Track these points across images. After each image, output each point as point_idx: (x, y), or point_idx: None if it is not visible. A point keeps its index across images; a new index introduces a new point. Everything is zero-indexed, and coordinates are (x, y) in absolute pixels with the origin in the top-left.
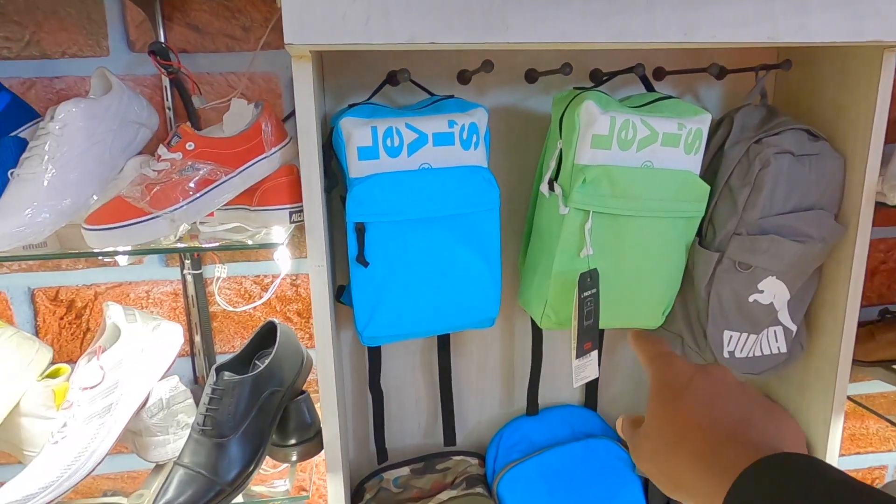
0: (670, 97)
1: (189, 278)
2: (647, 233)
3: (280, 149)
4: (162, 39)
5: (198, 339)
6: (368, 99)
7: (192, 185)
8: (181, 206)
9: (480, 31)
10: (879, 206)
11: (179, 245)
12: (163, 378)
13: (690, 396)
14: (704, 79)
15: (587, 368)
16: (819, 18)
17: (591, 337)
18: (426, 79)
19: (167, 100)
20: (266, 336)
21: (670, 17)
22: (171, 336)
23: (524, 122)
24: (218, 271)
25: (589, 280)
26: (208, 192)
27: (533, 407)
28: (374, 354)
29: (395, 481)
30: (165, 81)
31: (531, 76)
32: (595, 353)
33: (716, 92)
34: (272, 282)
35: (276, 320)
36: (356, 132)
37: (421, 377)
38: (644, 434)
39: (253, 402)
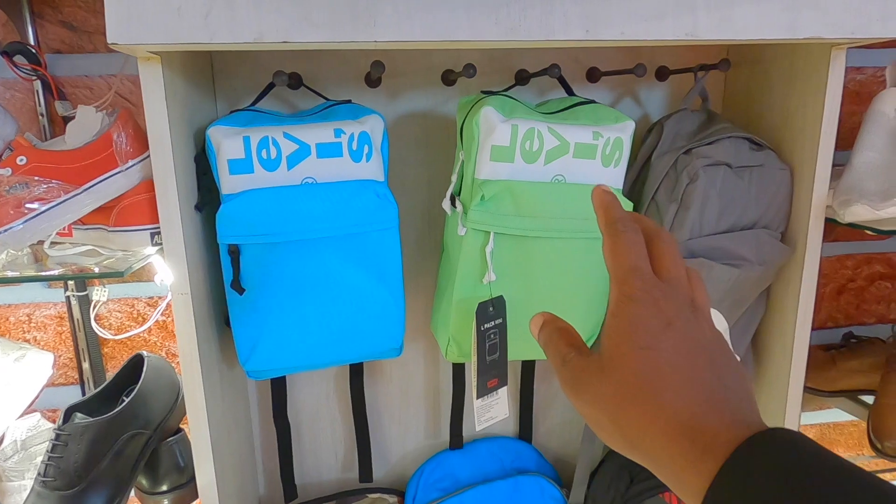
0: (591, 102)
1: (73, 300)
2: (561, 255)
3: (139, 162)
4: (31, 39)
5: (86, 366)
6: (252, 104)
7: (29, 204)
8: (12, 228)
9: (346, 28)
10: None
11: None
12: (24, 415)
13: (670, 343)
14: (646, 80)
15: (494, 408)
16: (746, 11)
17: (496, 373)
18: (331, 82)
19: (39, 105)
20: (135, 370)
21: (570, 10)
22: (36, 367)
23: (443, 129)
24: (97, 294)
25: (491, 309)
26: (46, 211)
27: (457, 439)
28: (277, 384)
29: None
30: (37, 86)
31: (448, 78)
32: (503, 391)
33: (659, 95)
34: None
35: (144, 353)
36: (226, 143)
37: (336, 405)
38: (599, 369)
39: (106, 446)
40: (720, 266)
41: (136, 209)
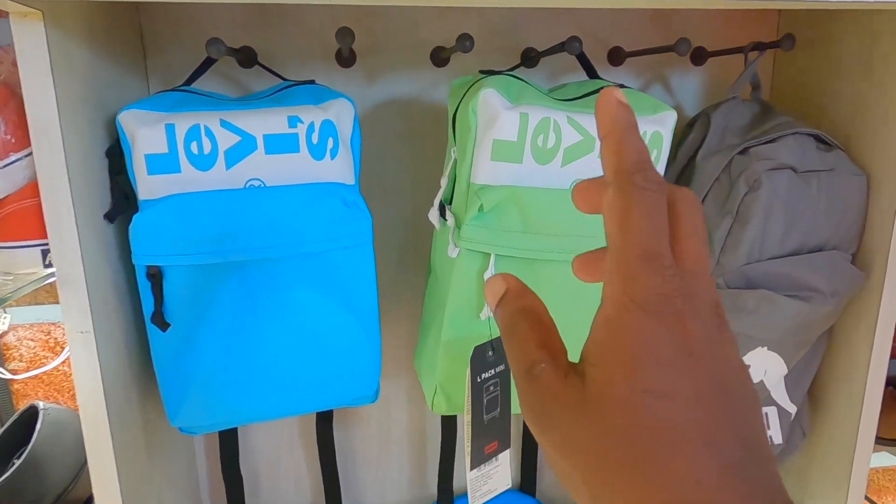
0: (620, 86)
1: None
2: (577, 283)
3: (24, 157)
4: None
5: None
6: (185, 84)
7: None
8: None
9: None
10: None
11: None
12: None
13: (690, 384)
14: (680, 64)
15: (493, 479)
16: None
17: (496, 434)
18: (293, 59)
19: None
20: (30, 425)
21: None
22: None
23: (432, 120)
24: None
25: (491, 354)
26: None
27: (446, 495)
28: (226, 433)
29: None
30: None
31: (439, 56)
32: (504, 456)
33: (693, 82)
34: None
35: (41, 404)
36: (142, 132)
37: (301, 452)
38: (579, 402)
39: None
40: (784, 299)
41: (22, 219)
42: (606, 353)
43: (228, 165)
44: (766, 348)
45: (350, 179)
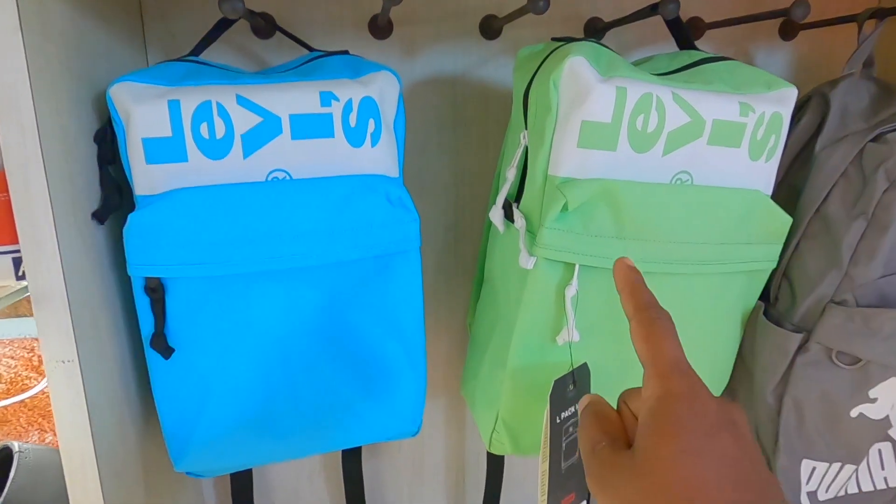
0: (724, 58)
1: None
2: (679, 299)
3: None
4: None
5: None
6: (192, 53)
7: None
8: None
9: None
10: None
11: None
12: None
13: (718, 447)
14: (765, 39)
15: None
16: None
17: (574, 486)
18: (319, 29)
19: None
20: (4, 468)
21: None
22: None
23: (480, 101)
24: None
25: (572, 388)
26: None
27: None
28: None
29: None
30: None
31: (490, 27)
32: None
33: (781, 60)
34: None
35: (16, 445)
36: (140, 111)
37: (324, 487)
38: (630, 468)
39: None
40: None
41: None
42: (652, 429)
43: (247, 153)
44: None
45: (394, 171)
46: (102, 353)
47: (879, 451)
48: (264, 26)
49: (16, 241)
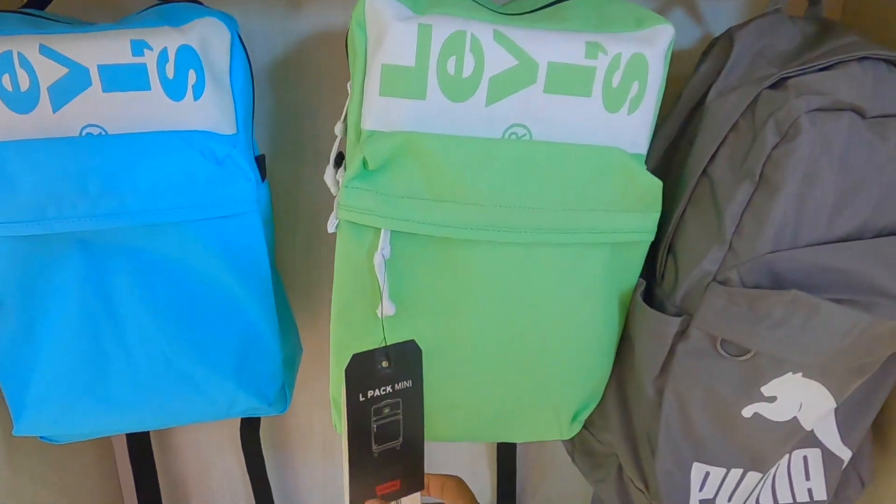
0: None
1: None
2: (523, 272)
3: None
4: None
5: None
6: (26, 5)
7: None
8: None
9: None
10: None
11: None
12: None
13: None
14: None
15: None
16: None
17: (398, 472)
18: None
19: None
20: None
21: None
22: None
23: None
24: None
25: (385, 365)
26: None
27: None
28: (135, 436)
29: None
30: None
31: None
32: (415, 500)
33: (734, 5)
34: None
35: None
36: None
37: (236, 460)
38: None
39: None
40: (832, 306)
41: None
42: None
43: (55, 107)
44: (801, 375)
45: (226, 128)
46: None
47: (805, 458)
48: None
49: None
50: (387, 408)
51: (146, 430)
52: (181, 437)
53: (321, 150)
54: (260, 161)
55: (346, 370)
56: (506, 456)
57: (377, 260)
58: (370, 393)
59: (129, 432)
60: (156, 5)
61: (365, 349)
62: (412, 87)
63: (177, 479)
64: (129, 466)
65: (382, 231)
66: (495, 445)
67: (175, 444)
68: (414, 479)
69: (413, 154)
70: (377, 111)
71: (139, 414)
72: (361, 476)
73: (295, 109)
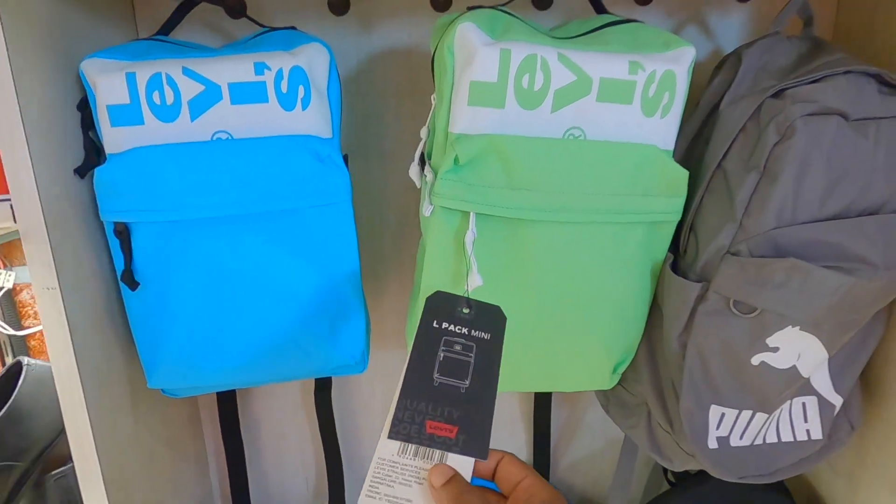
0: (630, 21)
1: None
2: (576, 247)
3: None
4: None
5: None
6: (161, 31)
7: None
8: None
9: None
10: None
11: None
12: None
13: None
14: (720, 1)
15: (413, 486)
16: None
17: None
18: (285, 9)
19: None
20: (15, 381)
21: None
22: None
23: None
24: (2, 279)
25: (467, 311)
26: None
27: None
28: (224, 396)
29: None
30: None
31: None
32: (459, 460)
33: (737, 22)
34: None
35: (25, 360)
36: (104, 82)
37: (306, 422)
38: None
39: None
40: (821, 271)
41: None
42: None
43: (193, 117)
44: (798, 328)
45: (326, 132)
46: (83, 283)
47: (804, 404)
48: (234, 7)
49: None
50: (459, 346)
51: (255, 385)
52: (260, 400)
53: (386, 150)
54: (345, 159)
55: (427, 298)
56: (541, 419)
57: (468, 238)
58: (445, 325)
59: (235, 388)
60: (261, 33)
61: (439, 290)
62: (494, 98)
63: (254, 438)
64: (214, 423)
65: (471, 214)
66: (532, 410)
67: (253, 408)
68: (474, 437)
69: (495, 152)
70: (465, 118)
71: (252, 371)
72: (415, 398)
73: (365, 115)
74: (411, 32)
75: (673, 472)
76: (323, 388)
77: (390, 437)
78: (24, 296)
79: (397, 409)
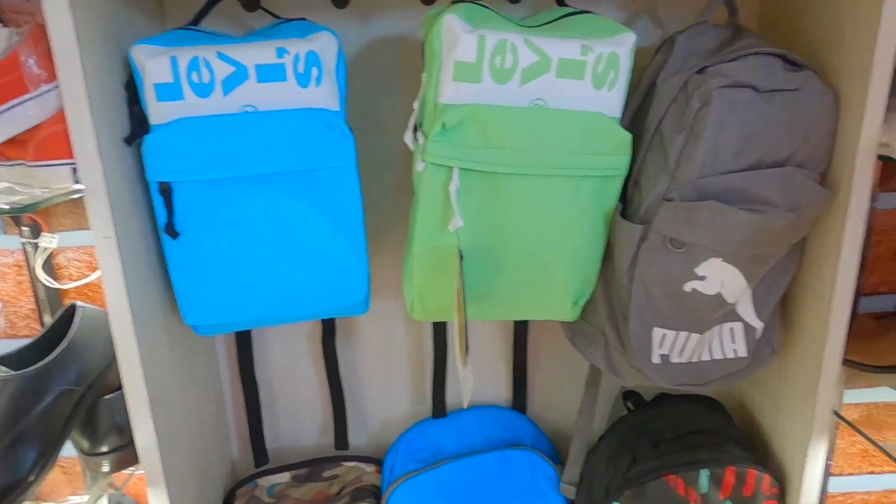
0: (584, 12)
1: (29, 248)
2: (538, 196)
3: (54, 88)
4: None
5: (48, 318)
6: (192, 23)
7: None
8: None
9: None
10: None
11: None
12: None
13: None
14: None
15: (470, 378)
16: None
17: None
18: (294, 3)
19: None
20: (70, 322)
21: None
22: None
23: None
24: (46, 241)
25: (461, 260)
26: None
27: (440, 407)
28: (241, 338)
29: (269, 489)
30: None
31: None
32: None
33: (685, 13)
34: None
35: (78, 303)
36: (151, 64)
37: (312, 366)
38: None
39: (31, 402)
40: (736, 211)
41: (56, 141)
42: None
43: (225, 92)
44: (720, 259)
45: (335, 106)
46: (133, 233)
47: (731, 329)
48: (249, 2)
49: (72, 156)
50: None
51: (274, 323)
52: (272, 344)
53: (381, 122)
54: (351, 129)
55: (459, 262)
56: (519, 360)
57: (452, 188)
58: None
59: (257, 326)
60: (278, 24)
61: (444, 254)
62: (473, 75)
63: (267, 379)
64: (232, 368)
65: (454, 169)
66: (512, 353)
67: (266, 351)
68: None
69: (474, 118)
70: (450, 91)
71: (272, 308)
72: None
73: (363, 92)
74: (403, 22)
75: (631, 401)
76: (328, 334)
77: (465, 365)
78: (59, 259)
79: (464, 346)
